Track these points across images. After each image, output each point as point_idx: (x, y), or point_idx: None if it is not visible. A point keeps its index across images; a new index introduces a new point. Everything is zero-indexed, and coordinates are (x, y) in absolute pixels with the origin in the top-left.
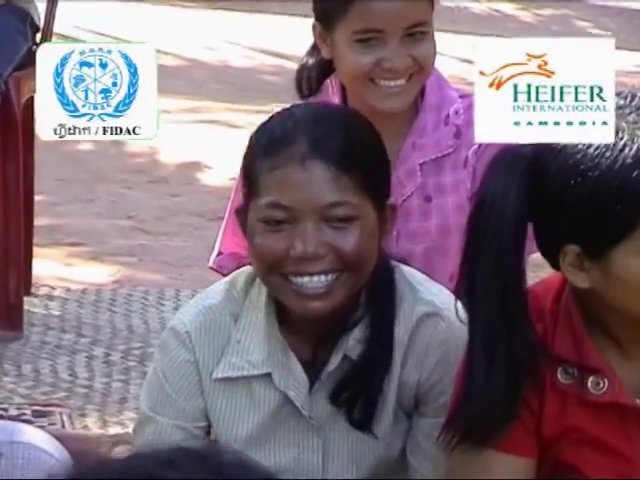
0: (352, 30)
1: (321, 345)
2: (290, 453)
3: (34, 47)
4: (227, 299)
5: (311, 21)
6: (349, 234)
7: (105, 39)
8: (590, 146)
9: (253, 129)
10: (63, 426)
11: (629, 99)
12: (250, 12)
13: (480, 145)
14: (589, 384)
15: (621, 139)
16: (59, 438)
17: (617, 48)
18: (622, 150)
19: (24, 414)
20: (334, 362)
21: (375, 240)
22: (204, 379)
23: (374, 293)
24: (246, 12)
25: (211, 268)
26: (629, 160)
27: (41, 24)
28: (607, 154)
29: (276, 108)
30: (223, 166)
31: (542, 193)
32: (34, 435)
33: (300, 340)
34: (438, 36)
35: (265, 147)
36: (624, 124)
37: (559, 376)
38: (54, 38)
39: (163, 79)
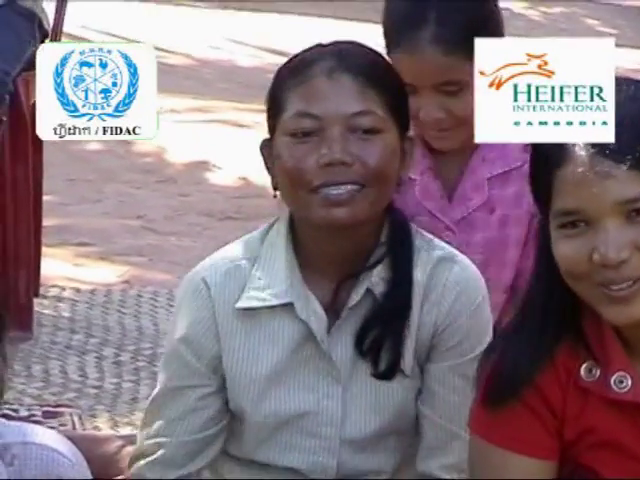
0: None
1: (342, 287)
2: (310, 398)
3: None
4: (243, 247)
5: (319, 20)
6: (373, 146)
7: (112, 39)
8: None
9: (261, 128)
10: (74, 427)
11: None
12: (256, 11)
13: None
14: (612, 381)
15: None
16: (68, 439)
17: (625, 46)
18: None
19: (34, 415)
20: (355, 298)
21: (396, 161)
22: (221, 318)
23: (394, 234)
24: (252, 11)
25: None
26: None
27: (49, 27)
28: None
29: None
30: (231, 165)
31: None
32: (47, 436)
33: (321, 281)
34: None
35: (292, 68)
36: None
37: (582, 373)
38: (63, 38)
39: (171, 79)
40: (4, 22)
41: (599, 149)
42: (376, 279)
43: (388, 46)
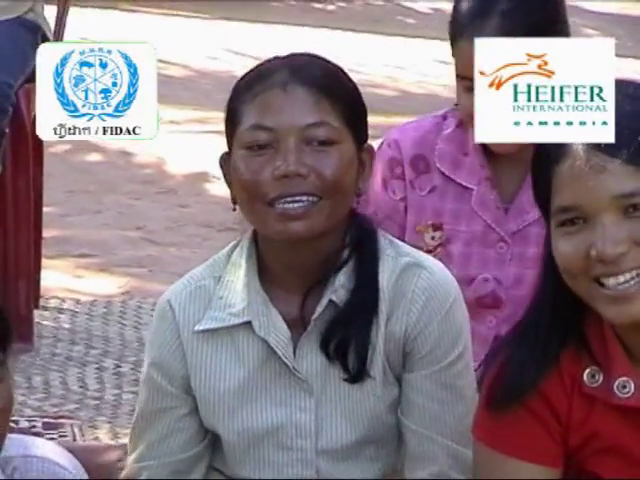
0: (456, 73)
1: (308, 299)
2: (282, 412)
3: None
4: (209, 266)
5: (317, 30)
6: (329, 158)
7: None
8: None
9: None
10: (74, 438)
11: None
12: (254, 22)
13: None
14: (615, 387)
15: None
16: (69, 450)
17: (625, 56)
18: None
19: (35, 426)
20: (319, 309)
21: (353, 172)
22: (186, 339)
23: (358, 240)
24: (250, 22)
25: None
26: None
27: (51, 38)
28: None
29: None
30: None
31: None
32: (48, 448)
33: (287, 295)
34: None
35: (248, 81)
36: None
37: (585, 379)
38: None
39: (170, 90)
40: (7, 35)
41: (595, 144)
42: (337, 287)
43: (453, 37)
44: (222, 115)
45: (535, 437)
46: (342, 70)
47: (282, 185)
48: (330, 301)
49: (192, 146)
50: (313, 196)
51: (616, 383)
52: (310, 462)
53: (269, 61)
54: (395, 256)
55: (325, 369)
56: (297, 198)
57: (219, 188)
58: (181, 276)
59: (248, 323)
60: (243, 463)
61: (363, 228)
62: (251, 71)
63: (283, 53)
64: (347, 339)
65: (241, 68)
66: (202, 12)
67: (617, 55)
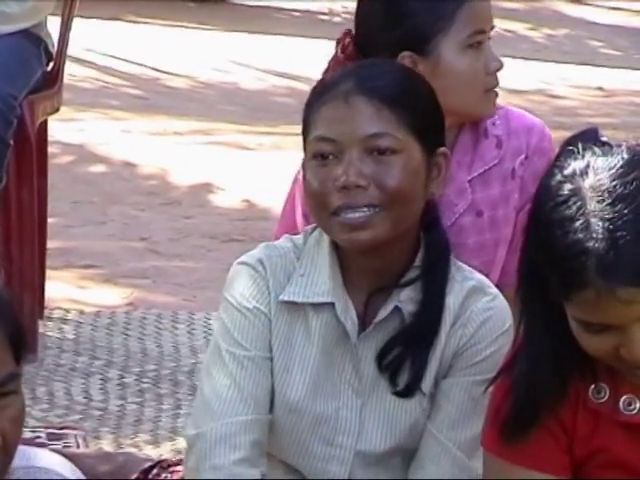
0: (465, 35)
1: (372, 300)
2: (331, 406)
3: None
4: (289, 242)
5: (322, 42)
6: (390, 168)
7: (115, 62)
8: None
9: (265, 150)
10: (78, 448)
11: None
12: (259, 34)
13: (527, 155)
14: (621, 404)
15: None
16: (75, 456)
17: (629, 68)
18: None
19: (39, 437)
20: (383, 313)
21: (419, 180)
22: (272, 300)
23: (430, 258)
24: (255, 34)
25: None
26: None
27: (54, 50)
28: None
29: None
30: (235, 187)
31: None
32: (51, 460)
33: (355, 290)
34: None
35: (318, 91)
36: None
37: (590, 395)
38: (67, 61)
39: (174, 101)
40: (12, 48)
41: (618, 279)
42: (405, 298)
43: None
44: (226, 126)
45: (546, 448)
46: (418, 78)
47: (344, 195)
48: (396, 308)
49: (197, 157)
50: (374, 207)
51: (622, 400)
52: (346, 461)
53: (340, 70)
54: (461, 280)
55: (376, 373)
56: (358, 210)
57: (223, 199)
58: (184, 287)
59: (327, 305)
60: (282, 444)
61: (437, 246)
62: (322, 79)
63: (286, 64)
64: (403, 357)
65: (246, 79)
66: (207, 24)
67: (622, 67)
